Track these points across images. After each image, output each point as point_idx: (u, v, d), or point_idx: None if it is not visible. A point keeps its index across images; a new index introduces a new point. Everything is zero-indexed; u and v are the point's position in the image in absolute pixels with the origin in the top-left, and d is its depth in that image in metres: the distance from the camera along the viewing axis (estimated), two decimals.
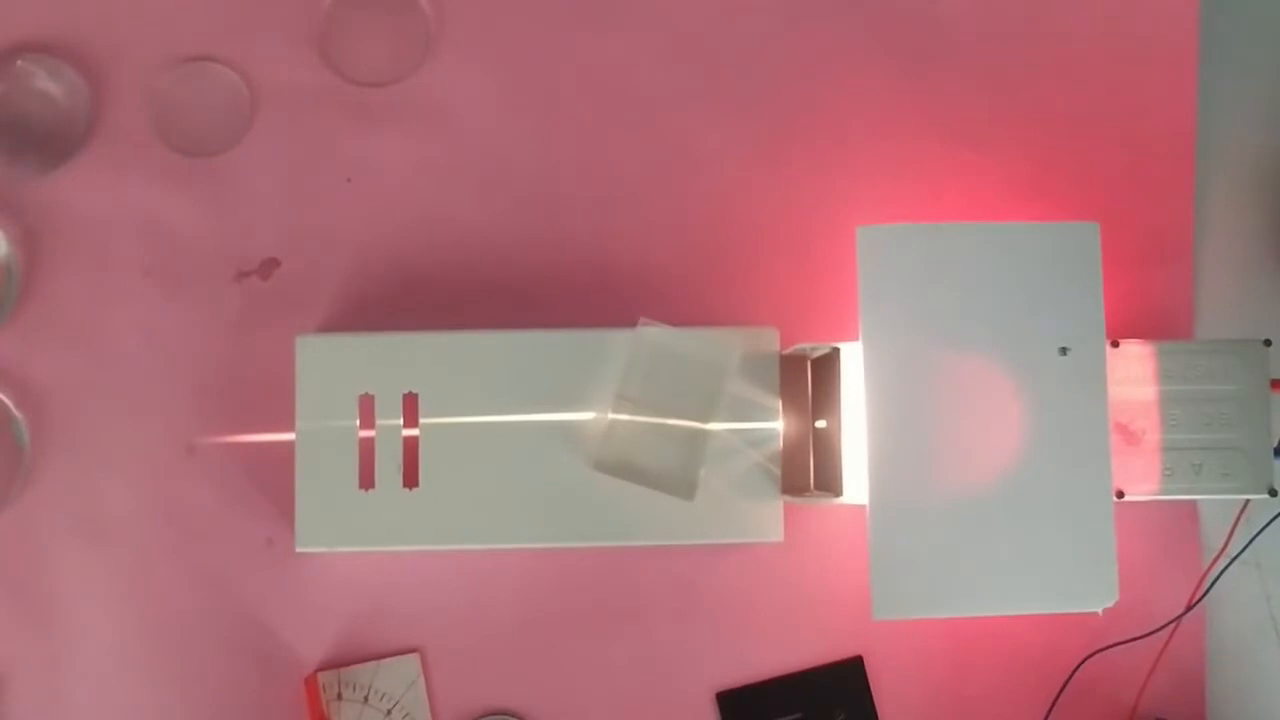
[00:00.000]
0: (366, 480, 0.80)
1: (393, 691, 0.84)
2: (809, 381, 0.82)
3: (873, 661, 0.86)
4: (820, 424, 0.80)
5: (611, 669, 0.86)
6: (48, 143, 0.87)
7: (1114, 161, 0.91)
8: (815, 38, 0.91)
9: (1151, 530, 0.87)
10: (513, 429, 0.81)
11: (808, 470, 0.81)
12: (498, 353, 0.82)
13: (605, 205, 0.89)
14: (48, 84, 0.87)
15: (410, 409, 0.81)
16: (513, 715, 0.85)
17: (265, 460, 0.85)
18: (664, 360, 0.81)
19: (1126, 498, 0.77)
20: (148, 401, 0.86)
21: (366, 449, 0.81)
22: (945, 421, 0.72)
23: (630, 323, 0.81)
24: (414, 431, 0.81)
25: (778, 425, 0.82)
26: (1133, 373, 0.78)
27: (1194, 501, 0.88)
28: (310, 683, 0.84)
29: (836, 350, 0.78)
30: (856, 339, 0.74)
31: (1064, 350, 0.73)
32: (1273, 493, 0.77)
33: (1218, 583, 0.84)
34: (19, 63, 0.87)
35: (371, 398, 0.81)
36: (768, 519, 0.82)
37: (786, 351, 0.82)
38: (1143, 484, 0.77)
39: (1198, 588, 0.84)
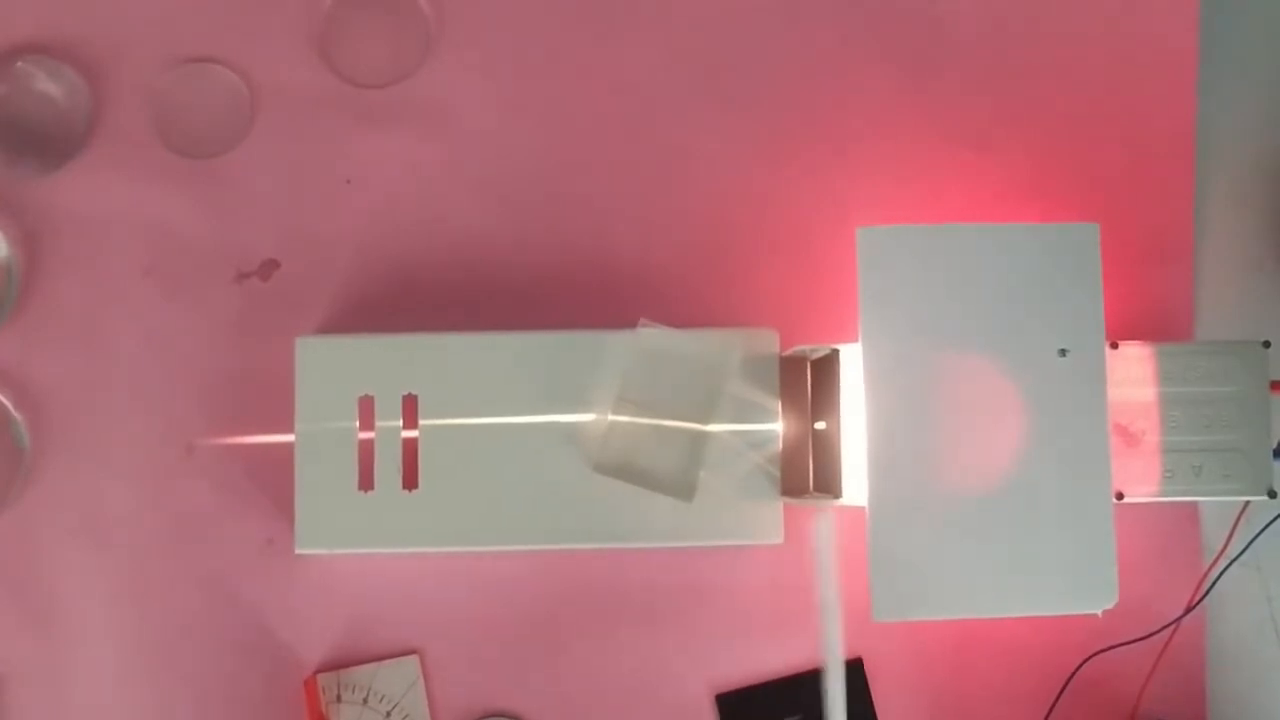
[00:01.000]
0: (366, 482, 0.80)
1: (392, 693, 0.84)
2: (808, 383, 0.82)
3: (872, 663, 0.86)
4: (820, 425, 0.80)
5: (611, 671, 0.86)
6: (48, 144, 0.87)
7: (1114, 161, 0.91)
8: (815, 38, 0.91)
9: (1151, 532, 0.87)
10: (512, 430, 0.81)
11: (807, 472, 0.81)
12: (497, 354, 0.82)
13: (605, 206, 0.89)
14: (48, 85, 0.88)
15: (410, 410, 0.81)
16: (512, 717, 0.85)
17: (265, 461, 0.85)
18: (664, 362, 0.81)
19: (1126, 499, 0.76)
20: (148, 402, 0.86)
21: (366, 450, 0.81)
22: (945, 423, 0.72)
23: (630, 324, 0.81)
24: (414, 433, 0.81)
25: (777, 427, 0.82)
26: (1132, 374, 0.78)
27: (1194, 503, 0.88)
28: (310, 684, 0.84)
29: (836, 352, 0.78)
30: (856, 340, 0.73)
31: (1063, 352, 0.73)
32: (1272, 494, 0.77)
33: (1218, 584, 0.84)
34: (19, 64, 0.87)
35: (371, 399, 0.81)
36: (767, 521, 0.82)
37: (786, 353, 0.82)
38: (1143, 485, 0.77)
39: (1198, 589, 0.84)
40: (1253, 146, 0.92)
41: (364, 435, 0.81)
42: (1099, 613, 0.72)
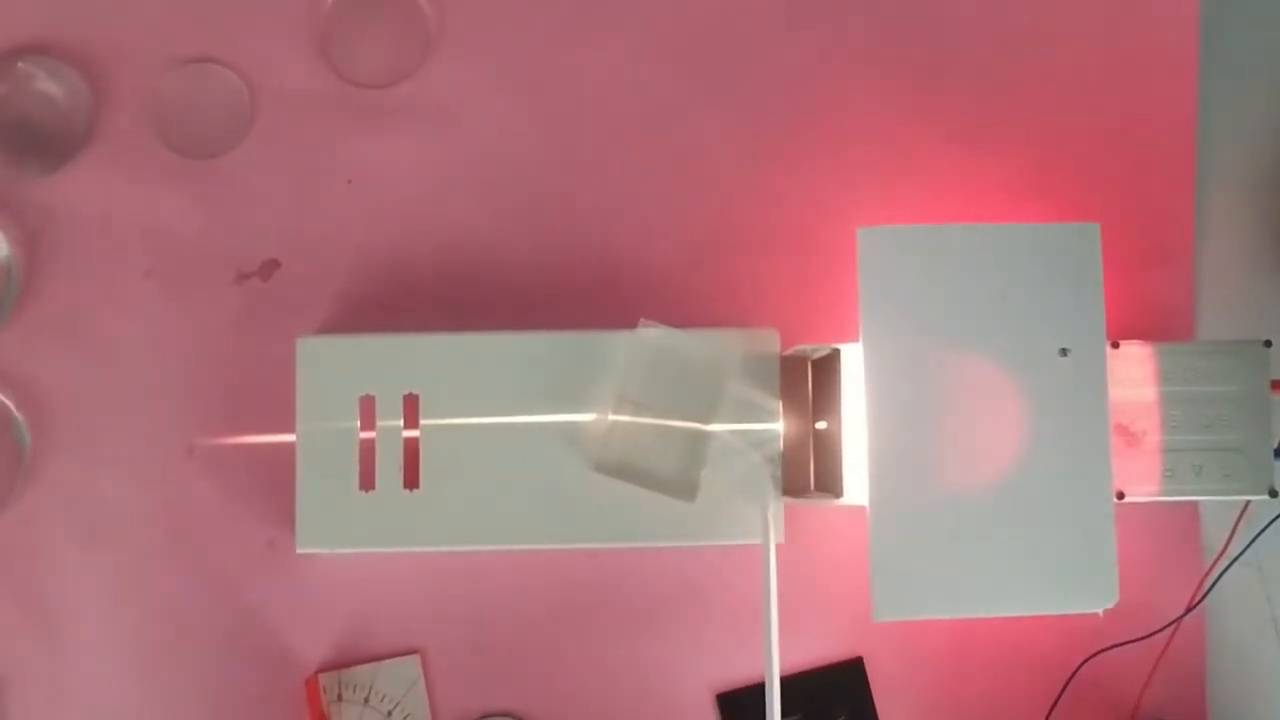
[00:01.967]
0: (367, 481, 0.80)
1: (393, 693, 0.84)
2: (809, 383, 0.82)
3: (873, 662, 0.86)
4: (821, 425, 0.80)
5: (612, 670, 0.86)
6: (49, 144, 0.87)
7: (1114, 161, 0.91)
8: (815, 38, 0.91)
9: (1152, 531, 0.87)
10: (513, 430, 0.81)
11: (808, 471, 0.81)
12: (498, 354, 0.82)
13: (605, 206, 0.89)
14: (49, 85, 0.87)
15: (411, 410, 0.81)
16: (513, 716, 0.85)
17: (266, 461, 0.85)
18: (665, 361, 0.81)
19: (1127, 499, 0.76)
20: (148, 402, 0.86)
21: (367, 450, 0.81)
22: (946, 423, 0.72)
23: (631, 324, 0.81)
24: (414, 433, 0.81)
25: (778, 426, 0.82)
26: (1133, 374, 0.78)
27: (1194, 502, 0.88)
28: (311, 684, 0.84)
29: (837, 351, 0.78)
30: (857, 340, 0.73)
31: (1064, 351, 0.73)
32: (1273, 494, 0.77)
33: (1218, 584, 0.84)
34: (20, 64, 0.87)
35: (372, 399, 0.81)
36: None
37: (787, 353, 0.82)
38: (1143, 485, 0.77)
39: (1198, 589, 0.84)
40: (1253, 146, 0.92)
41: (365, 435, 0.81)
42: (1099, 612, 0.72)
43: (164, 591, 0.85)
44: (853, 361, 0.76)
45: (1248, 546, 0.82)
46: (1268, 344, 0.78)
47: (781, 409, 0.82)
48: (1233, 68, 0.92)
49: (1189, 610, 0.84)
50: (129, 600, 0.85)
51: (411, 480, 0.81)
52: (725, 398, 0.81)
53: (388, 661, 0.85)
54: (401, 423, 0.81)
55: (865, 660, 0.86)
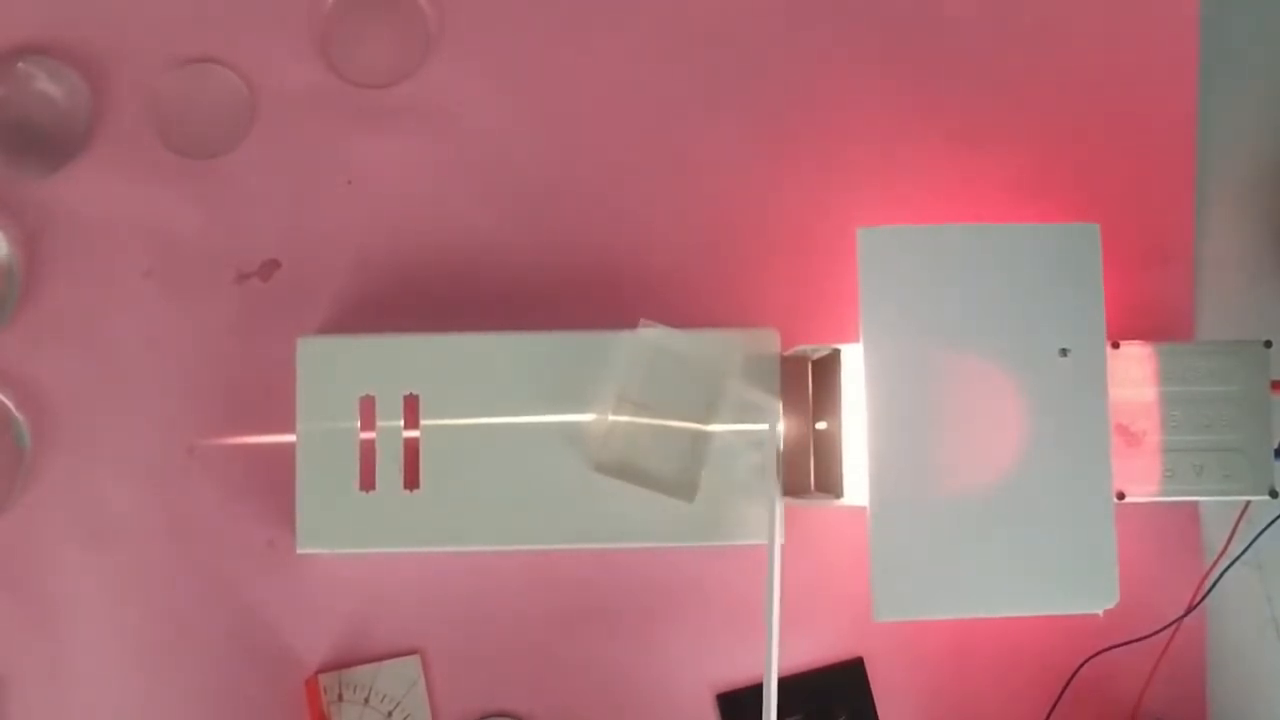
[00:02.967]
0: (367, 482, 0.80)
1: (393, 693, 0.84)
2: (810, 383, 0.82)
3: (873, 663, 0.86)
4: (821, 425, 0.80)
5: (612, 670, 0.86)
6: (49, 144, 0.87)
7: (1114, 161, 0.91)
8: (815, 38, 0.91)
9: (1152, 532, 0.87)
10: (513, 430, 0.81)
11: (808, 472, 0.81)
12: (498, 354, 0.82)
13: (606, 206, 0.89)
14: (49, 86, 0.87)
15: (411, 410, 0.81)
16: (513, 717, 0.85)
17: (266, 462, 0.85)
18: (665, 362, 0.81)
19: (1127, 499, 0.76)
20: (148, 403, 0.86)
21: (367, 450, 0.81)
22: (946, 423, 0.72)
23: (631, 324, 0.81)
24: (415, 433, 0.81)
25: (778, 427, 0.82)
26: (1133, 374, 0.78)
27: (1195, 503, 0.88)
28: (311, 684, 0.84)
29: (837, 351, 0.78)
30: (857, 340, 0.73)
31: (1064, 351, 0.73)
32: (1273, 494, 0.77)
33: (1219, 584, 0.84)
34: (20, 65, 0.87)
35: (372, 399, 0.81)
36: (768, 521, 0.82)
37: (787, 353, 0.82)
38: (1143, 485, 0.77)
39: (1198, 589, 0.84)
40: (1253, 146, 0.92)
41: (365, 435, 0.81)
42: (1100, 612, 0.72)
43: (164, 591, 0.85)
44: (853, 361, 0.76)
45: (1248, 547, 0.82)
46: (1268, 344, 0.78)
47: (781, 409, 0.82)
48: (1233, 68, 0.92)
49: (1189, 610, 0.84)
50: (129, 600, 0.85)
51: (412, 480, 0.81)
52: (725, 398, 0.81)
53: (388, 662, 0.85)
54: (402, 423, 0.81)
55: (865, 660, 0.86)
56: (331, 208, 0.88)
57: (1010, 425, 0.72)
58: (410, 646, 0.85)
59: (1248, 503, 0.82)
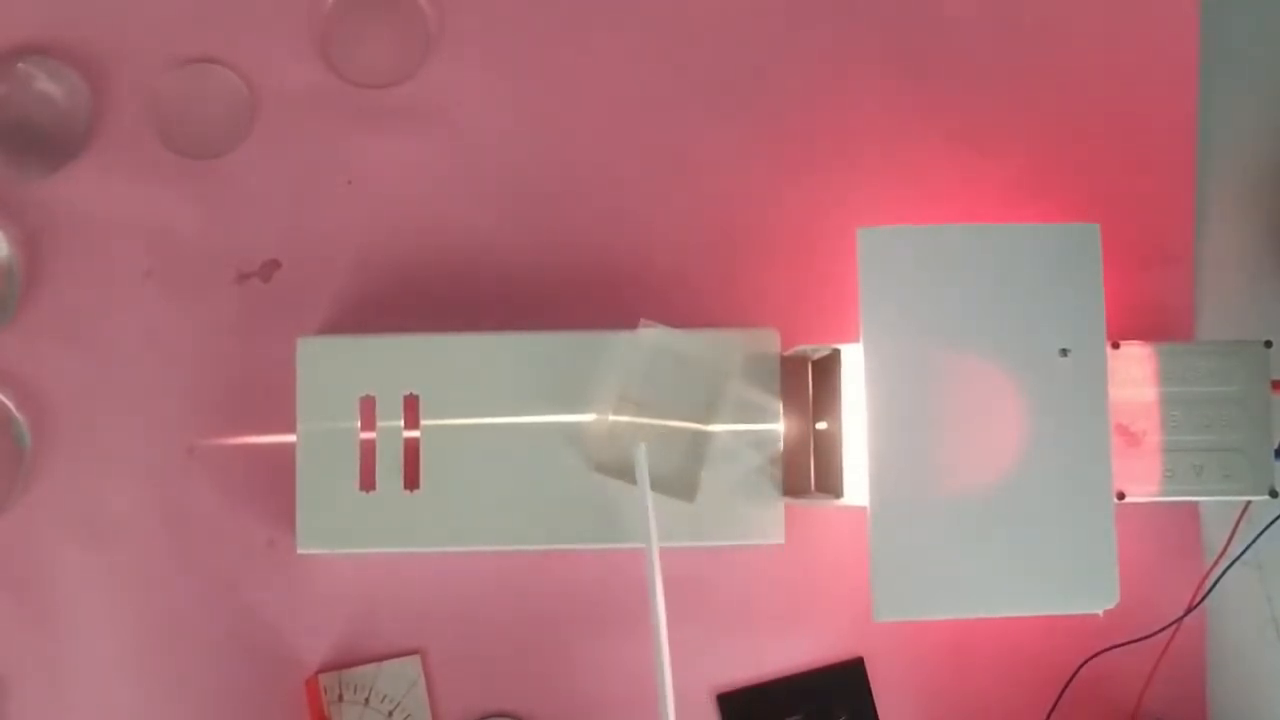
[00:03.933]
0: (367, 482, 0.80)
1: (394, 693, 0.84)
2: (810, 383, 0.82)
3: (873, 663, 0.86)
4: (821, 425, 0.80)
5: (612, 670, 0.86)
6: (49, 145, 0.87)
7: (1114, 161, 0.91)
8: (815, 38, 0.91)
9: (1152, 532, 0.87)
10: (514, 430, 0.81)
11: (809, 472, 0.81)
12: (499, 354, 0.82)
13: (606, 206, 0.89)
14: (49, 86, 0.87)
15: (411, 411, 0.81)
16: (513, 717, 0.85)
17: (266, 462, 0.85)
18: (665, 362, 0.81)
19: (1127, 499, 0.76)
20: (149, 403, 0.86)
21: (367, 451, 0.81)
22: (946, 423, 0.72)
23: (631, 324, 0.81)
24: (415, 433, 0.81)
25: (779, 427, 0.82)
26: (1133, 374, 0.78)
27: (1195, 503, 0.88)
28: (311, 684, 0.84)
29: (837, 352, 0.78)
30: (857, 340, 0.73)
31: (1064, 351, 0.73)
32: (1274, 494, 0.77)
33: (1219, 584, 0.84)
34: (20, 65, 0.87)
35: (372, 399, 0.81)
36: (769, 521, 0.82)
37: (787, 353, 0.82)
38: (1143, 485, 0.77)
39: (1199, 589, 0.84)
40: (1253, 146, 0.92)
41: (365, 435, 0.81)
42: (1100, 612, 0.72)
43: (164, 592, 0.85)
44: (853, 362, 0.76)
45: (1248, 547, 0.82)
46: (1268, 344, 0.78)
47: (782, 409, 0.82)
48: (1233, 68, 0.92)
49: (1189, 610, 0.84)
50: (129, 600, 0.85)
51: (412, 481, 0.81)
52: (725, 398, 0.81)
53: (388, 662, 0.85)
54: (402, 423, 0.81)
55: (865, 660, 0.86)
56: (331, 208, 0.88)
57: (1010, 425, 0.72)
58: (410, 646, 0.85)
59: (1248, 503, 0.82)
